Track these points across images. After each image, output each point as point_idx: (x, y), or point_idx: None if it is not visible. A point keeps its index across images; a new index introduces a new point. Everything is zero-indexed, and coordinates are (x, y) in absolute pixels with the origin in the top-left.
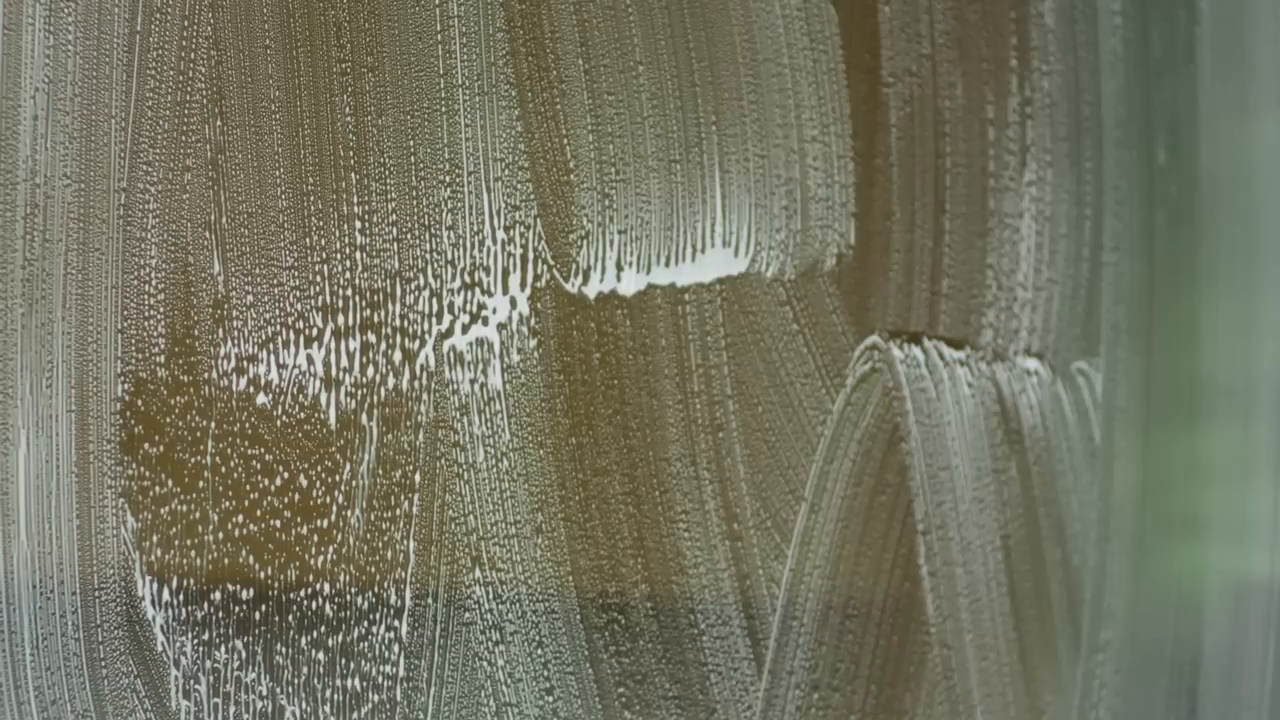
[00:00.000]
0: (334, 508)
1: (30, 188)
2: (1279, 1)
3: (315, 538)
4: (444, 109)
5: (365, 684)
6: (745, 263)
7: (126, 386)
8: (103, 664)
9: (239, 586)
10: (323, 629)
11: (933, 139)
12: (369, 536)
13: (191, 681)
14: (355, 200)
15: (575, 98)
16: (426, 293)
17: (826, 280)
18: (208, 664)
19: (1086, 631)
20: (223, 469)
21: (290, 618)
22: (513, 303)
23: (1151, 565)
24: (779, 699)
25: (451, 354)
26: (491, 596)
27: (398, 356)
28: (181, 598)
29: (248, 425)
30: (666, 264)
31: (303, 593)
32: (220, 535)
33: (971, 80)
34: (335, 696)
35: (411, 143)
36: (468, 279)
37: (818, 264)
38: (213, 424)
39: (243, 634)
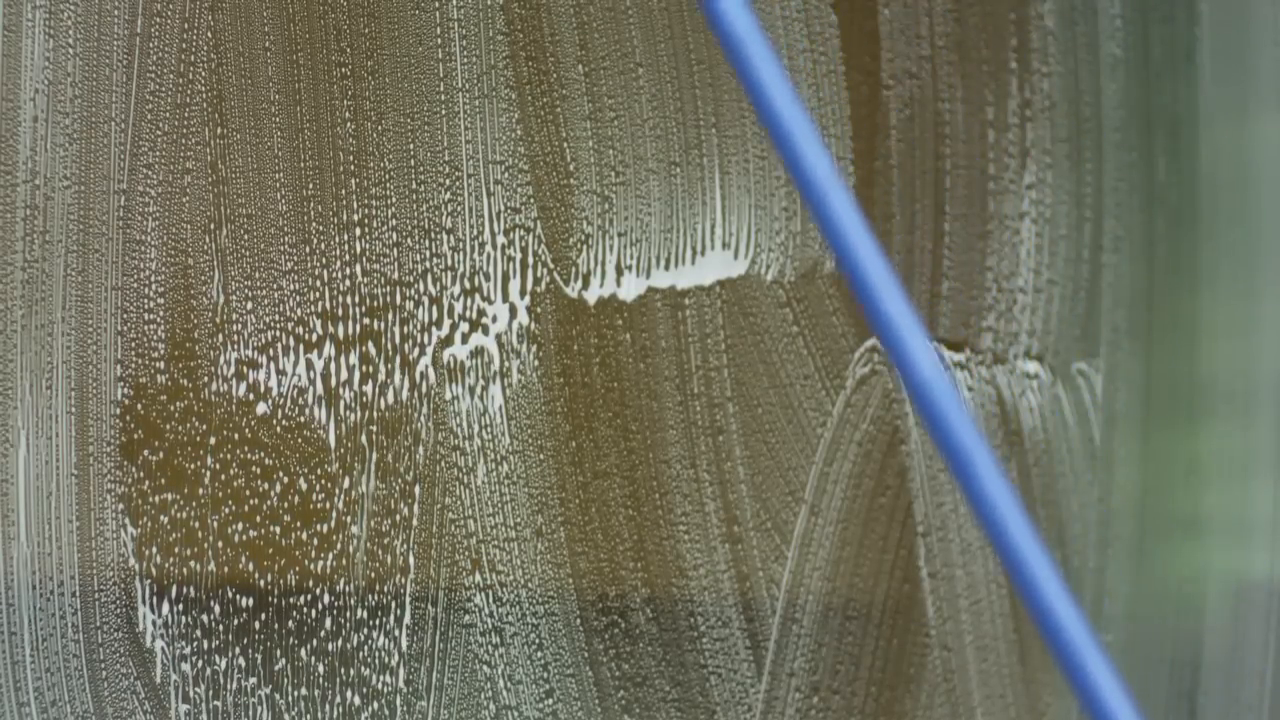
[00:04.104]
0: (333, 513)
1: (30, 189)
2: (1279, 4)
3: (315, 542)
4: (444, 112)
5: (364, 688)
6: (745, 265)
7: (126, 390)
8: (102, 665)
9: (238, 593)
10: (322, 635)
11: (933, 141)
12: (368, 542)
13: (192, 685)
14: (355, 205)
15: (575, 101)
16: (426, 299)
17: (826, 282)
18: (208, 671)
19: None
20: (222, 475)
21: (290, 623)
22: (512, 309)
23: (1151, 567)
24: (779, 701)
25: (451, 360)
26: (492, 599)
27: (397, 362)
28: (181, 605)
29: (247, 431)
30: (666, 267)
31: (302, 599)
32: (220, 541)
33: (971, 82)
34: (335, 707)
35: (411, 146)
36: (467, 284)
37: (818, 266)
38: (211, 429)
39: (242, 640)
